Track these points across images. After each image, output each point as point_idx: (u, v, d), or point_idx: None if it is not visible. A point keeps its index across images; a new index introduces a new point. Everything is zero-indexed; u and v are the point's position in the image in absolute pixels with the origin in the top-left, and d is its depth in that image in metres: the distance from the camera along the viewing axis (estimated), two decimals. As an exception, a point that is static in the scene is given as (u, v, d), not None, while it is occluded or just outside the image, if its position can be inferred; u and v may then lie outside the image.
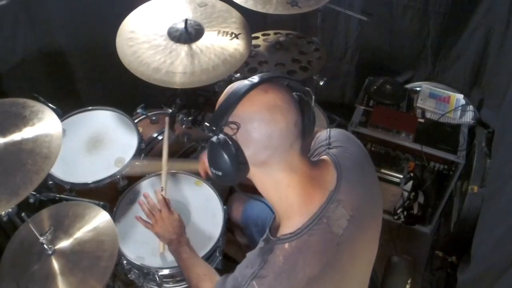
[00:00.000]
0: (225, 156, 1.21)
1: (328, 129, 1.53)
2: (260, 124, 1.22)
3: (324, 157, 1.42)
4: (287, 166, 1.27)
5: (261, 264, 1.27)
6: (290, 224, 1.29)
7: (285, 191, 1.29)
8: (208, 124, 1.25)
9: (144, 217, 1.93)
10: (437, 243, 2.90)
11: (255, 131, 1.22)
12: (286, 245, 1.27)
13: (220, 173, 1.26)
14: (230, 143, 1.21)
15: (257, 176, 1.31)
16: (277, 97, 1.24)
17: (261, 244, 1.35)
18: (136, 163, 2.11)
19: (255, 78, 1.27)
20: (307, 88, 1.35)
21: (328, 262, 1.29)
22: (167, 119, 2.36)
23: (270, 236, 1.33)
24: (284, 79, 1.34)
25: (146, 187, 2.19)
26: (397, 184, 2.80)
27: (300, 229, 1.27)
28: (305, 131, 1.33)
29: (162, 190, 2.04)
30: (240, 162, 1.23)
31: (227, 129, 1.23)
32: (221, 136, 1.22)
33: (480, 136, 2.63)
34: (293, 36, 2.93)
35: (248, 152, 1.23)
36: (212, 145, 1.24)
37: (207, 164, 1.81)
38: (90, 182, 2.13)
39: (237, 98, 1.23)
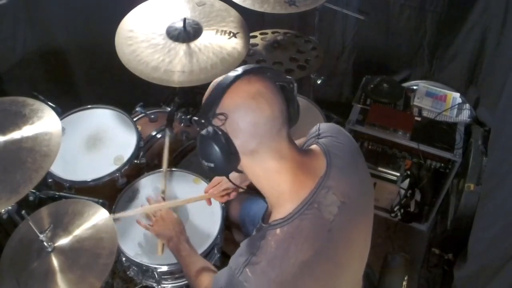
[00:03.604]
0: (216, 147, 1.25)
1: (318, 124, 1.56)
2: (246, 113, 1.25)
3: (313, 146, 1.44)
4: (276, 153, 1.30)
5: (254, 251, 1.29)
6: (282, 210, 1.31)
7: (276, 178, 1.31)
8: (196, 118, 1.29)
9: (143, 220, 2.01)
10: (434, 240, 2.91)
11: (241, 120, 1.25)
12: (278, 231, 1.29)
13: (212, 165, 1.29)
14: (220, 133, 1.24)
15: (248, 165, 1.33)
16: (260, 86, 1.28)
17: (253, 232, 1.37)
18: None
19: (238, 70, 1.31)
20: (289, 77, 1.38)
21: (320, 248, 1.30)
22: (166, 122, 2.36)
23: (262, 224, 1.35)
24: (266, 70, 1.36)
25: (145, 185, 2.20)
26: (394, 182, 2.82)
27: (291, 214, 1.29)
28: (291, 119, 1.36)
29: (162, 193, 2.10)
30: (231, 152, 1.26)
31: (215, 121, 1.26)
32: (209, 128, 1.25)
33: (476, 134, 2.64)
34: (290, 35, 2.94)
35: (237, 142, 1.26)
36: (202, 138, 1.27)
37: (210, 191, 1.86)
38: (89, 180, 2.15)
39: (222, 89, 1.27)
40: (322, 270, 1.33)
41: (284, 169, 1.31)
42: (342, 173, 1.38)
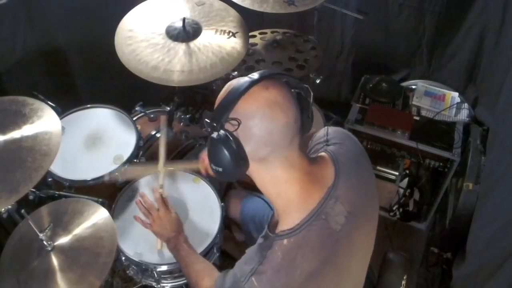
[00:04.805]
0: (226, 152, 1.22)
1: (326, 127, 1.54)
2: (261, 121, 1.22)
3: (322, 153, 1.43)
4: (287, 162, 1.29)
5: (260, 260, 1.28)
6: (289, 220, 1.30)
7: (284, 187, 1.30)
8: (208, 121, 1.25)
9: (142, 216, 1.98)
10: (433, 239, 2.93)
11: (256, 128, 1.23)
12: (285, 241, 1.28)
13: (220, 169, 1.27)
14: (231, 139, 1.22)
15: (257, 172, 1.32)
16: (277, 94, 1.25)
17: (260, 240, 1.36)
18: (126, 168, 2.05)
19: (255, 75, 1.28)
20: (305, 85, 1.36)
21: (326, 258, 1.30)
22: (163, 117, 2.34)
23: (269, 233, 1.34)
24: (283, 76, 1.35)
25: (145, 184, 2.20)
26: (393, 181, 2.82)
27: (299, 225, 1.28)
28: (304, 128, 1.34)
29: (161, 187, 2.06)
30: (241, 158, 1.24)
31: (227, 126, 1.23)
32: (221, 132, 1.22)
33: (475, 133, 2.65)
34: (290, 34, 2.94)
35: (248, 148, 1.24)
36: (213, 142, 1.24)
37: (207, 161, 1.85)
38: (89, 179, 2.14)
39: (238, 94, 1.24)
40: (327, 280, 1.33)
41: (293, 178, 1.30)
42: (349, 182, 1.38)
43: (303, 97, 1.34)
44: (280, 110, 1.24)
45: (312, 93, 1.36)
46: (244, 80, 1.27)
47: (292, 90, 1.32)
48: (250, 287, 1.26)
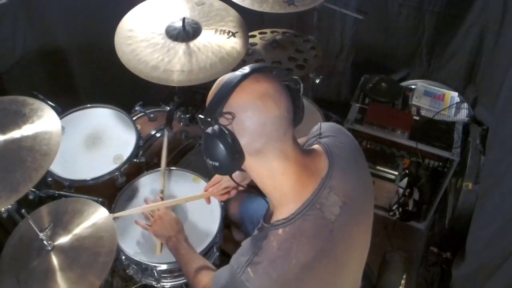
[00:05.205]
0: (221, 146, 1.23)
1: (319, 123, 1.56)
2: (254, 113, 1.24)
3: (316, 146, 1.44)
4: (282, 154, 1.29)
5: (256, 251, 1.29)
6: (284, 210, 1.31)
7: (280, 179, 1.31)
8: (202, 117, 1.27)
9: (142, 221, 2.03)
10: (432, 239, 2.92)
11: (249, 120, 1.24)
12: (280, 231, 1.29)
13: (216, 164, 1.28)
14: (226, 133, 1.23)
15: (253, 165, 1.33)
16: (268, 86, 1.27)
17: (255, 232, 1.37)
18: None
19: (246, 69, 1.30)
20: (295, 77, 1.38)
21: (322, 248, 1.30)
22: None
23: (264, 223, 1.35)
24: (273, 69, 1.36)
25: (144, 184, 2.21)
26: (393, 181, 2.82)
27: (294, 214, 1.29)
28: (296, 119, 1.36)
29: (161, 192, 2.10)
30: (236, 151, 1.25)
31: (221, 120, 1.25)
32: (216, 127, 1.24)
33: (474, 133, 2.65)
34: (289, 34, 2.94)
35: (243, 141, 1.25)
36: (208, 136, 1.25)
37: (210, 190, 1.87)
38: (89, 179, 2.15)
39: (230, 88, 1.25)
40: (323, 270, 1.33)
41: (288, 170, 1.31)
42: (343, 173, 1.39)
43: (293, 88, 1.36)
44: (272, 102, 1.25)
45: (302, 84, 1.38)
46: (235, 74, 1.29)
47: (283, 82, 1.34)
48: (246, 278, 1.27)
